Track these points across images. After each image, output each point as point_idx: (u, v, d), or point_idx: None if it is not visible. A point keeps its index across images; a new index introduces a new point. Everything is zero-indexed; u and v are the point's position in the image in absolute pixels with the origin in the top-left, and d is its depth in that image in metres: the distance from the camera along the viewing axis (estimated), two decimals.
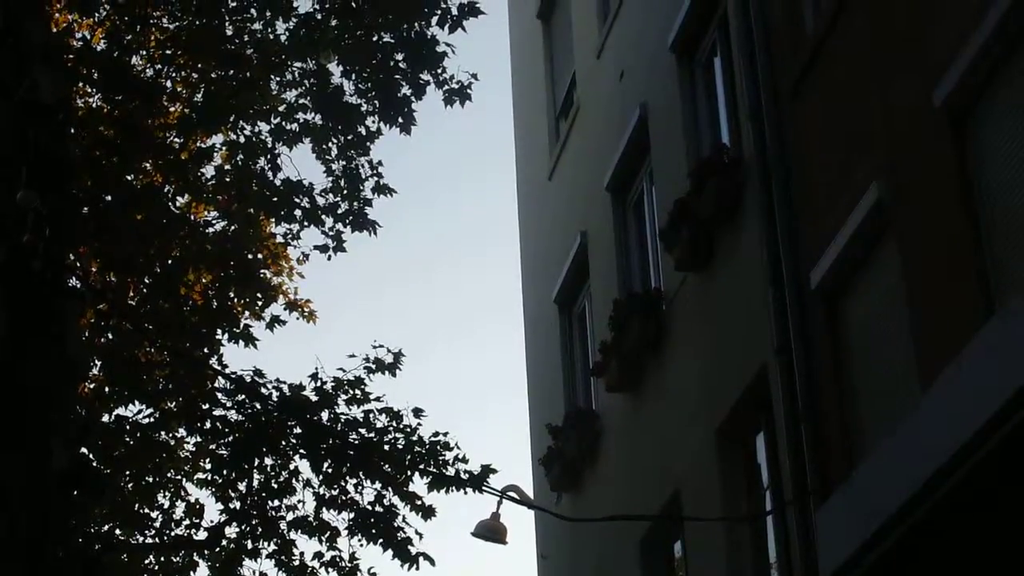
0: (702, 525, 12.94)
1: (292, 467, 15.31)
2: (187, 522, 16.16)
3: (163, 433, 15.76)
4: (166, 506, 16.25)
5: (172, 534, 16.15)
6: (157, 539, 16.18)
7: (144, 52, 14.81)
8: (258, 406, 15.04)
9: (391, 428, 15.27)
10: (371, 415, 15.30)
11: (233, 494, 15.35)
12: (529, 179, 20.72)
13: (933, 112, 9.36)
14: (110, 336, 15.14)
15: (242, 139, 14.98)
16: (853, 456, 10.55)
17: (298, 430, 15.01)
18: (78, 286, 13.01)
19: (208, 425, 15.20)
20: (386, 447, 15.14)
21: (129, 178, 14.85)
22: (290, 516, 15.42)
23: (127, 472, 15.86)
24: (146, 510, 16.22)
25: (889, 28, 10.15)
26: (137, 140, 14.26)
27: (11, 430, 9.93)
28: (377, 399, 15.43)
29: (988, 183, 8.99)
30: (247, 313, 15.72)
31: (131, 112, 14.36)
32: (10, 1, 11.01)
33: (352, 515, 15.26)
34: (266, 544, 15.42)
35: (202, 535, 15.90)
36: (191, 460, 16.25)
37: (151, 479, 16.13)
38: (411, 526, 15.17)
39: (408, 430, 15.27)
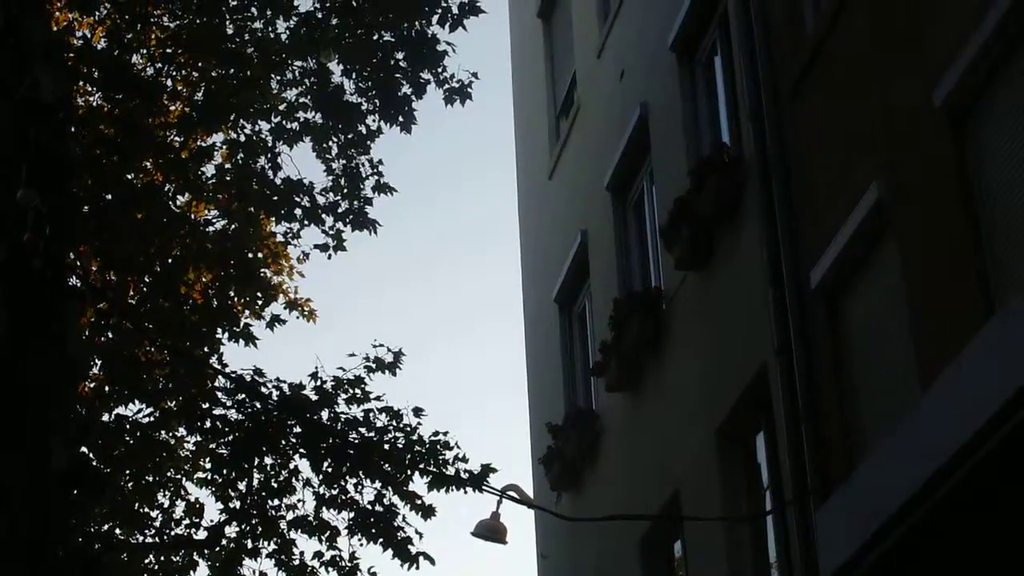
0: (702, 525, 12.93)
1: (292, 466, 15.31)
2: (187, 521, 16.16)
3: (163, 432, 15.76)
4: (166, 505, 16.26)
5: (172, 533, 16.16)
6: (157, 538, 16.19)
7: (144, 51, 14.81)
8: (258, 405, 15.04)
9: (391, 427, 15.28)
10: (371, 414, 15.30)
11: (233, 493, 15.36)
12: (529, 178, 20.72)
13: (933, 112, 9.36)
14: (110, 335, 15.14)
15: (242, 138, 14.98)
16: (853, 456, 10.55)
17: (298, 429, 15.01)
18: (78, 285, 13.02)
19: (208, 424, 15.20)
20: (386, 446, 15.14)
21: (129, 177, 14.84)
22: (290, 515, 15.43)
23: (127, 471, 15.86)
24: (146, 509, 16.22)
25: (889, 28, 10.15)
26: (137, 139, 14.26)
27: (11, 429, 9.92)
28: (377, 398, 15.46)
29: (988, 183, 8.99)
30: (247, 312, 15.72)
31: (131, 111, 14.36)
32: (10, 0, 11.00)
33: (352, 514, 15.26)
34: (266, 543, 15.42)
35: (202, 534, 15.91)
36: (191, 459, 16.25)
37: (151, 478, 16.13)
38: (411, 525, 15.19)
39: (408, 429, 15.28)
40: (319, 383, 15.26)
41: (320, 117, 14.72)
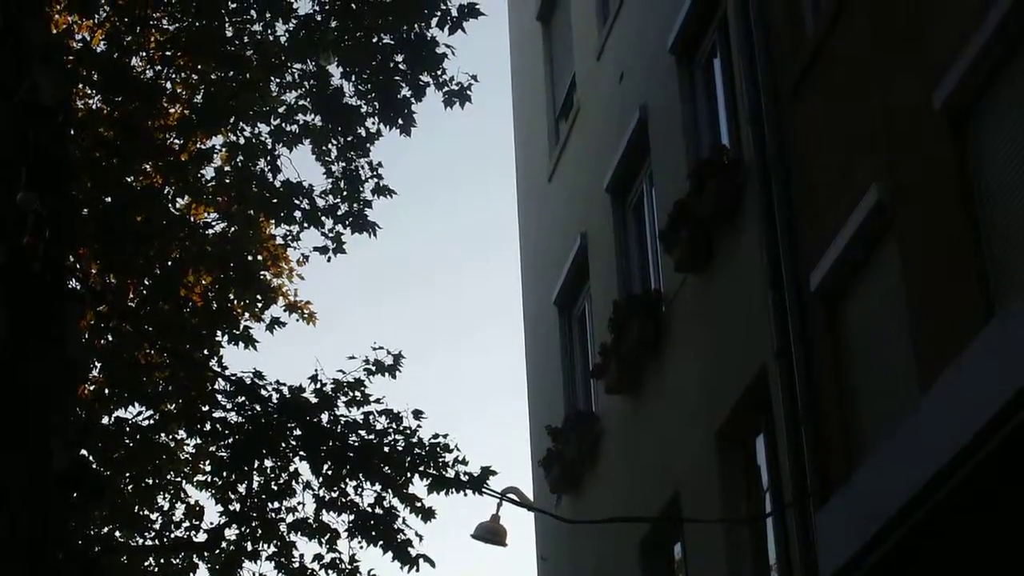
0: (702, 527, 12.93)
1: (292, 469, 15.31)
2: (187, 524, 16.16)
3: (163, 435, 15.76)
4: (166, 508, 16.26)
5: (172, 536, 16.15)
6: (157, 541, 16.18)
7: (144, 53, 14.81)
8: (258, 408, 15.03)
9: (391, 430, 15.27)
10: (371, 417, 15.29)
11: (233, 496, 15.35)
12: (529, 180, 20.72)
13: (933, 113, 9.36)
14: (110, 337, 15.14)
15: (242, 140, 14.98)
16: (853, 458, 10.55)
17: (298, 432, 15.00)
18: (78, 287, 13.02)
19: (208, 427, 15.19)
20: (386, 449, 15.14)
21: (129, 179, 14.84)
22: (290, 518, 15.42)
23: (127, 474, 15.86)
24: (146, 512, 16.22)
25: (889, 29, 10.15)
26: (137, 141, 14.26)
27: (11, 431, 9.92)
28: (377, 401, 15.45)
29: (988, 184, 8.99)
30: (247, 315, 15.72)
31: (131, 113, 14.36)
32: (10, 2, 11.00)
33: (352, 517, 15.25)
34: (266, 546, 15.41)
35: (202, 537, 15.90)
36: (191, 462, 16.25)
37: (151, 481, 16.13)
38: (411, 528, 15.17)
39: (408, 432, 15.27)
40: (319, 386, 15.26)
41: (319, 119, 14.72)
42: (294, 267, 16.27)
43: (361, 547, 15.31)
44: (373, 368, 15.55)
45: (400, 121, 14.31)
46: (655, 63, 15.13)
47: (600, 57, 17.38)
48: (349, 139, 14.73)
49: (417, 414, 15.36)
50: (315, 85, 14.57)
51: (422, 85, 14.22)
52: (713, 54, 14.10)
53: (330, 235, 15.10)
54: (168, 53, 14.66)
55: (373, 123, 14.56)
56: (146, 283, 15.11)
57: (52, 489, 10.48)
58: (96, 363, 15.26)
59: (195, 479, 16.07)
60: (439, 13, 13.94)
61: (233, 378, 14.89)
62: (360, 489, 15.21)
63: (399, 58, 14.21)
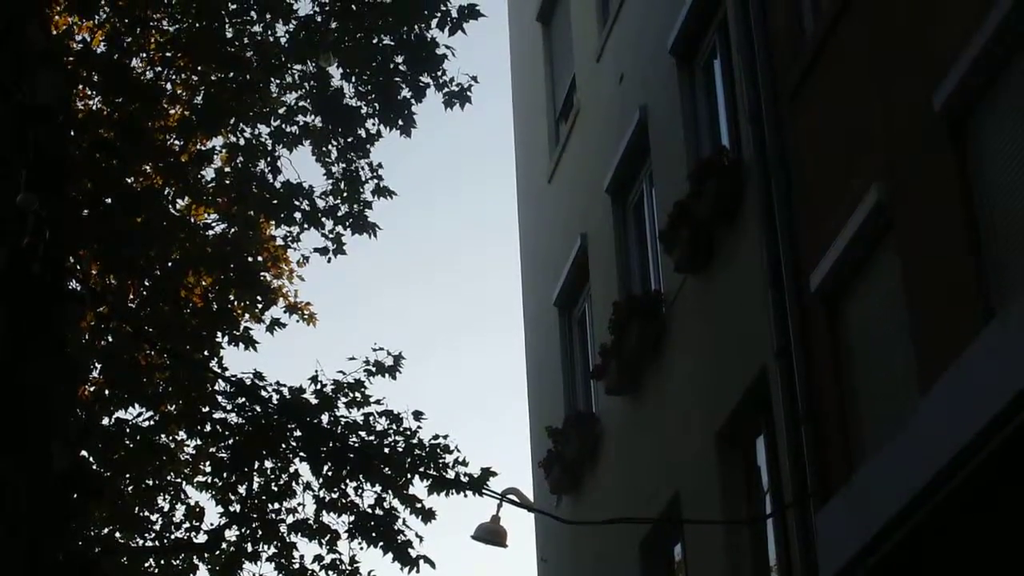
0: (702, 528, 12.93)
1: (292, 470, 15.32)
2: (187, 525, 16.16)
3: (163, 436, 15.77)
4: (166, 509, 16.27)
5: (172, 537, 16.16)
6: (157, 542, 16.19)
7: (144, 54, 14.82)
8: (258, 409, 15.05)
9: (391, 431, 15.29)
10: (371, 418, 15.31)
11: (233, 497, 15.36)
12: (529, 181, 20.72)
13: (933, 114, 9.35)
14: (110, 339, 15.14)
15: (242, 141, 14.99)
16: (853, 459, 10.55)
17: (298, 433, 15.02)
18: (78, 289, 13.02)
19: (208, 428, 15.21)
20: (386, 450, 15.15)
21: (129, 180, 14.85)
22: (290, 519, 15.44)
23: (127, 475, 15.86)
24: (146, 513, 16.23)
25: (889, 30, 10.15)
26: (137, 142, 14.26)
27: (11, 433, 9.93)
28: (377, 402, 15.47)
29: (988, 185, 8.99)
30: (247, 316, 15.72)
31: (131, 114, 14.37)
32: (10, 3, 11.01)
33: (352, 518, 15.27)
34: (266, 547, 15.42)
35: (202, 538, 15.91)
36: (191, 463, 16.25)
37: (151, 482, 16.14)
38: (411, 529, 15.20)
39: (408, 433, 15.29)
40: (319, 387, 15.27)
41: (320, 121, 14.73)
42: (294, 268, 16.30)
43: (361, 548, 15.34)
44: (373, 369, 15.57)
45: (400, 122, 14.32)
46: (655, 64, 15.13)
47: (600, 58, 17.38)
48: (349, 140, 14.74)
49: (417, 415, 15.39)
50: (315, 86, 14.58)
51: (422, 86, 14.24)
52: (713, 55, 14.10)
53: (330, 236, 15.11)
54: (168, 54, 14.67)
55: (373, 124, 14.58)
56: (146, 284, 15.11)
57: (52, 490, 10.48)
58: (96, 364, 15.26)
59: (195, 480, 16.08)
60: (439, 14, 13.95)
61: (233, 379, 14.91)
62: (360, 490, 15.22)
63: (399, 59, 14.22)
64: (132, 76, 14.54)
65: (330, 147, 14.89)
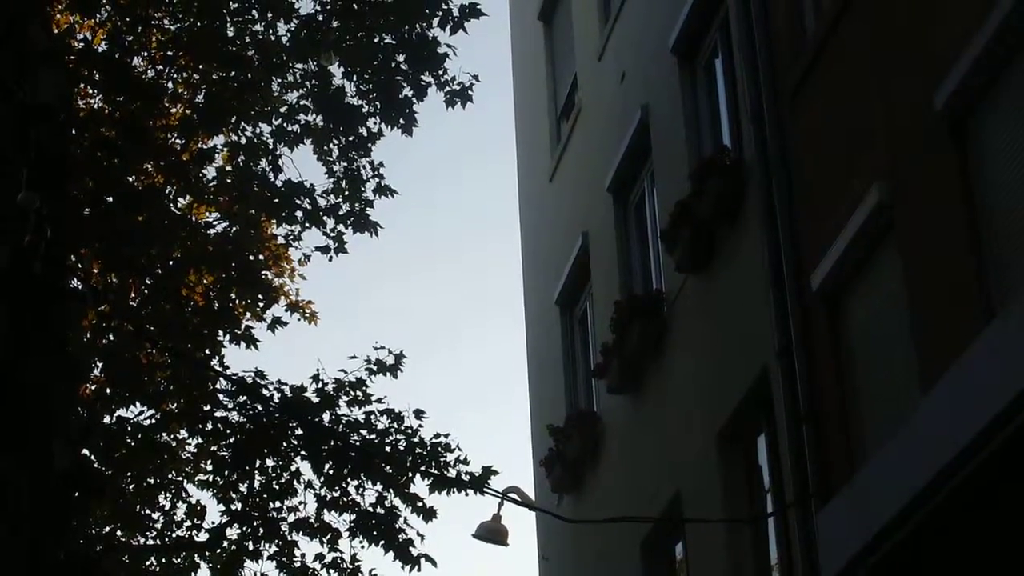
0: (703, 527, 12.93)
1: (293, 468, 15.32)
2: (188, 523, 16.16)
3: (164, 434, 15.77)
4: (167, 507, 16.26)
5: (173, 535, 16.16)
6: (158, 540, 16.19)
7: (145, 53, 14.82)
8: (259, 407, 15.05)
9: (392, 429, 15.29)
10: (372, 416, 15.32)
11: (234, 495, 15.37)
12: (530, 180, 20.72)
13: (934, 114, 9.35)
14: (111, 337, 15.14)
15: (243, 140, 15.00)
16: (854, 458, 10.55)
17: (299, 431, 15.03)
18: (79, 287, 13.03)
19: (209, 426, 15.22)
20: (387, 448, 15.16)
21: (130, 179, 14.85)
22: (291, 517, 15.43)
23: (128, 473, 15.86)
24: (147, 511, 16.22)
25: (890, 29, 10.15)
26: (138, 141, 14.26)
27: (13, 431, 9.93)
28: (378, 400, 15.48)
29: (989, 185, 8.99)
30: (248, 314, 15.72)
31: (132, 113, 14.37)
32: (11, 2, 11.01)
33: (353, 516, 15.27)
34: (267, 545, 15.43)
35: (203, 536, 15.91)
36: (192, 461, 16.25)
37: (152, 480, 16.14)
38: (412, 527, 15.20)
39: (409, 431, 15.29)
40: (320, 385, 15.27)
41: (321, 119, 14.74)
42: (295, 267, 16.29)
43: (362, 547, 15.34)
44: (375, 368, 15.58)
45: (401, 121, 14.33)
46: (657, 63, 15.12)
47: (601, 57, 17.38)
48: (350, 139, 14.75)
49: (418, 414, 15.40)
50: (317, 85, 14.58)
51: (423, 85, 14.24)
52: (714, 54, 14.10)
53: (331, 235, 15.11)
54: (169, 53, 14.67)
55: (374, 123, 14.59)
56: (147, 283, 15.12)
57: (53, 488, 10.49)
58: (97, 363, 15.26)
59: (196, 478, 16.07)
60: (440, 13, 13.96)
61: (234, 378, 14.92)
62: (361, 489, 15.22)
63: (400, 58, 14.22)
64: (133, 75, 14.54)
65: (331, 146, 14.89)
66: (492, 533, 13.42)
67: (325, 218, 15.05)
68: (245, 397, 14.98)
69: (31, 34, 11.04)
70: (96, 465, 15.14)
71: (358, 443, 15.06)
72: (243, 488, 15.33)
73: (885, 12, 10.25)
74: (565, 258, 18.24)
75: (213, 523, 15.74)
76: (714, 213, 13.11)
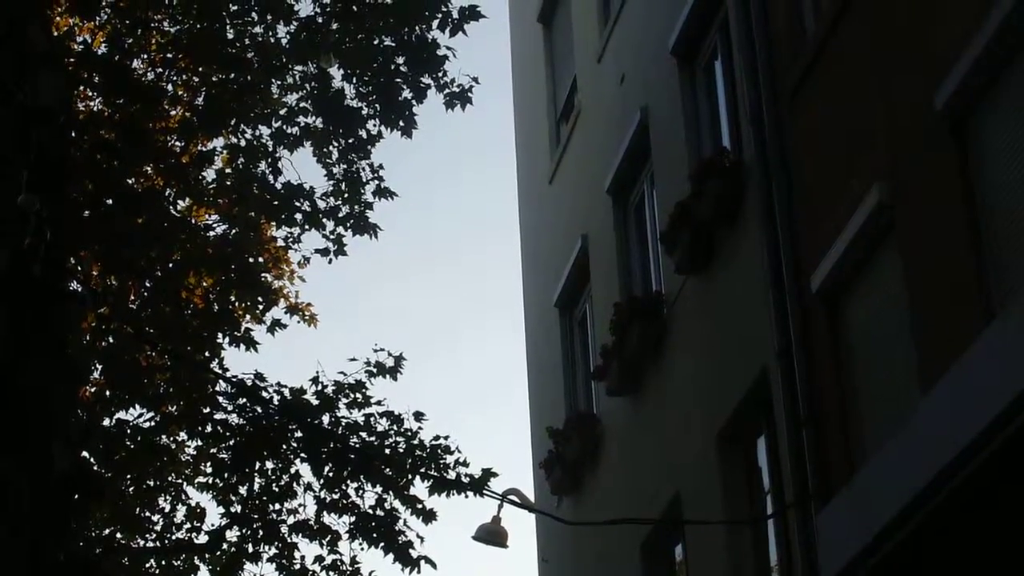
0: (703, 528, 12.93)
1: (293, 471, 15.33)
2: (188, 526, 16.16)
3: (164, 437, 15.76)
4: (167, 510, 16.26)
5: (173, 538, 16.15)
6: (158, 543, 16.19)
7: (145, 56, 14.82)
8: (259, 410, 15.06)
9: (392, 432, 15.30)
10: (372, 419, 15.32)
11: (234, 498, 15.37)
12: (530, 182, 20.72)
13: (935, 114, 9.36)
14: (111, 339, 15.14)
15: (243, 143, 14.99)
16: (854, 459, 10.55)
17: (299, 434, 15.03)
18: (79, 289, 13.02)
19: (209, 429, 15.22)
20: (387, 451, 15.16)
21: (130, 181, 14.85)
22: (291, 520, 15.43)
23: (128, 475, 15.86)
24: (147, 514, 16.22)
25: (890, 30, 10.15)
26: (138, 144, 14.26)
27: (12, 433, 9.93)
28: (378, 403, 15.47)
29: (990, 185, 8.99)
30: (248, 317, 15.72)
31: (132, 115, 14.37)
32: (11, 4, 11.01)
33: (353, 519, 15.27)
34: (267, 548, 15.42)
35: (203, 539, 15.91)
36: (192, 464, 16.25)
37: (152, 483, 16.14)
38: (412, 530, 15.20)
39: (409, 434, 15.29)
40: (320, 387, 15.27)
41: (321, 122, 14.74)
42: (295, 269, 16.29)
43: (362, 549, 15.34)
44: (374, 370, 15.58)
45: (401, 123, 14.32)
46: (656, 65, 15.13)
47: (601, 59, 17.39)
48: (350, 141, 14.75)
49: (418, 416, 15.40)
50: (316, 87, 14.58)
51: (423, 87, 14.24)
52: (714, 56, 14.10)
53: (331, 237, 15.11)
54: (169, 55, 14.67)
55: (374, 125, 14.58)
56: (147, 285, 15.12)
57: (53, 490, 10.48)
58: (97, 365, 15.26)
59: (196, 481, 16.07)
60: (440, 15, 13.96)
61: (234, 380, 14.91)
62: (361, 491, 15.22)
63: (400, 60, 14.22)
64: (133, 77, 14.54)
65: (331, 148, 14.89)
66: (492, 535, 13.43)
67: (325, 220, 15.05)
68: (245, 399, 14.97)
69: (31, 36, 11.04)
70: (96, 467, 15.14)
71: (358, 445, 15.07)
72: (243, 490, 15.33)
73: (885, 12, 10.25)
74: (565, 260, 18.24)
75: (213, 525, 15.76)
76: (714, 214, 13.11)
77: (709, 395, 13.29)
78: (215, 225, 15.56)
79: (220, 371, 15.20)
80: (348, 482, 15.18)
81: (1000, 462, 7.96)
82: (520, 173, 21.39)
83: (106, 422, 15.42)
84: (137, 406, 15.28)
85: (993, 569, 8.50)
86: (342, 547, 15.45)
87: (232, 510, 15.37)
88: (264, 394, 14.88)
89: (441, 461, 15.24)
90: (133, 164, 14.63)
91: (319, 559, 15.47)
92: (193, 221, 15.49)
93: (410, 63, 14.18)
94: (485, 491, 14.32)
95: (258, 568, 15.47)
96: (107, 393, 15.38)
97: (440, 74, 14.22)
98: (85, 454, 14.78)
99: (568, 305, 18.60)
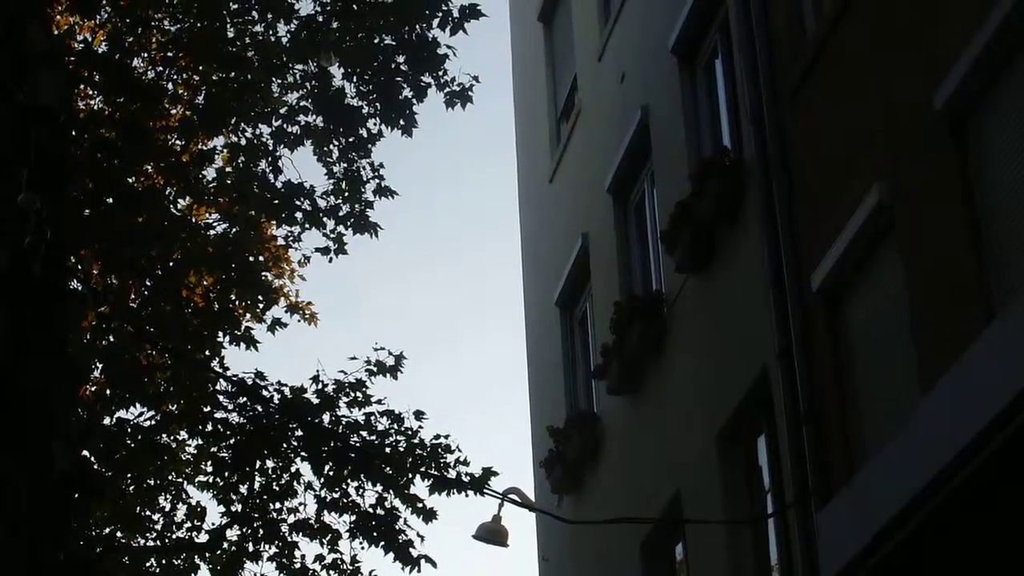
0: (703, 527, 12.93)
1: (293, 470, 15.33)
2: (188, 525, 16.17)
3: (164, 436, 15.77)
4: (167, 509, 16.27)
5: (173, 537, 16.16)
6: (158, 542, 16.20)
7: (145, 54, 14.82)
8: (259, 409, 15.06)
9: (392, 431, 15.30)
10: (372, 418, 15.32)
11: (234, 497, 15.37)
12: (530, 181, 20.72)
13: (934, 114, 9.35)
14: (111, 338, 15.14)
15: (243, 141, 14.99)
16: (854, 458, 10.55)
17: (299, 433, 15.03)
18: (79, 288, 13.03)
19: (209, 428, 15.22)
20: (387, 450, 15.16)
21: (130, 180, 14.85)
22: (291, 519, 15.44)
23: (128, 475, 15.87)
24: (147, 512, 16.23)
25: (890, 29, 10.15)
26: (138, 142, 14.26)
27: (12, 432, 9.93)
28: (378, 402, 15.48)
29: (989, 184, 8.99)
30: (248, 315, 15.73)
31: (132, 114, 14.37)
32: (11, 3, 11.01)
33: (353, 518, 15.27)
34: (267, 547, 15.43)
35: (203, 538, 15.91)
36: (192, 463, 16.26)
37: (152, 482, 16.14)
38: (412, 528, 15.20)
39: (409, 433, 15.29)
40: (320, 386, 15.27)
41: (321, 120, 14.73)
42: (295, 268, 16.29)
43: (362, 548, 15.34)
44: (374, 369, 15.58)
45: (401, 122, 14.32)
46: (656, 64, 15.13)
47: (601, 58, 17.38)
48: (350, 140, 14.74)
49: (418, 415, 15.40)
50: (316, 86, 14.57)
51: (423, 86, 14.23)
52: (714, 55, 14.10)
53: (331, 236, 15.11)
54: (169, 54, 14.67)
55: (374, 124, 14.58)
56: (147, 284, 15.12)
57: (53, 490, 10.49)
58: (97, 364, 15.27)
59: (196, 480, 16.08)
60: (440, 14, 13.95)
61: (234, 379, 14.93)
62: (361, 490, 15.22)
63: (400, 59, 14.22)
64: (133, 76, 14.54)
65: (331, 147, 14.89)
66: (492, 534, 13.42)
67: (325, 219, 15.05)
68: (245, 398, 14.98)
69: (31, 35, 11.04)
70: (96, 466, 15.14)
71: (358, 444, 15.07)
72: (243, 489, 15.33)
73: (885, 12, 10.25)
74: (565, 259, 18.24)
75: (213, 524, 15.77)
76: (714, 214, 13.11)
77: (709, 394, 13.29)
78: (215, 224, 15.57)
79: (220, 370, 15.22)
80: (348, 481, 15.18)
81: (1000, 462, 7.96)
82: (520, 172, 21.38)
83: (106, 421, 15.43)
84: (137, 405, 15.29)
85: (993, 569, 8.49)
86: (342, 546, 15.47)
87: (232, 509, 15.37)
88: (264, 393, 14.88)
89: (441, 460, 15.24)
90: (133, 163, 14.63)
91: (319, 558, 15.48)
92: (193, 220, 15.49)
93: (410, 62, 14.18)
94: (485, 490, 14.32)
95: (258, 567, 15.50)
96: (107, 392, 15.39)
97: (440, 73, 14.22)
98: (85, 453, 14.79)
99: (568, 304, 18.59)
